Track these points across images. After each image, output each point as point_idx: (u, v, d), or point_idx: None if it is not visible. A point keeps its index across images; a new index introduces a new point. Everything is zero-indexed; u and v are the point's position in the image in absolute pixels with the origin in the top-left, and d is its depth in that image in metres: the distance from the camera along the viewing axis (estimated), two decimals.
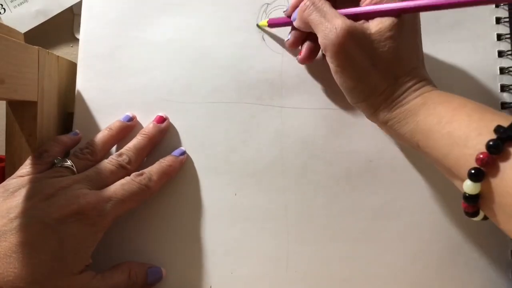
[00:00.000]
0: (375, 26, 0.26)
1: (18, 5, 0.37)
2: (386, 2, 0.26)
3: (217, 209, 0.33)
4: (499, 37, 0.34)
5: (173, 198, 0.33)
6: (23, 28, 0.37)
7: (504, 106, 0.33)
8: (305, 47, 0.32)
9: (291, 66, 0.34)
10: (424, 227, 0.32)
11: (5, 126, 0.31)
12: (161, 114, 0.34)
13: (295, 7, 0.31)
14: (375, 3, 0.27)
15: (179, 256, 0.32)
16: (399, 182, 0.33)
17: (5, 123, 0.31)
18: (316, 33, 0.28)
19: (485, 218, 0.24)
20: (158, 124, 0.33)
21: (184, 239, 0.33)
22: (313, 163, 0.33)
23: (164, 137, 0.34)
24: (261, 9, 0.35)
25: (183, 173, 0.33)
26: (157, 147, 0.33)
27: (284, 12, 0.33)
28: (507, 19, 0.34)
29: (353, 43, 0.26)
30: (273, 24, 0.33)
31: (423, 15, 0.34)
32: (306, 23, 0.29)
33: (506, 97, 0.33)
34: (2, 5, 0.37)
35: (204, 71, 0.34)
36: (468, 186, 0.22)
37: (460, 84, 0.34)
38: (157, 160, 0.32)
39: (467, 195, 0.22)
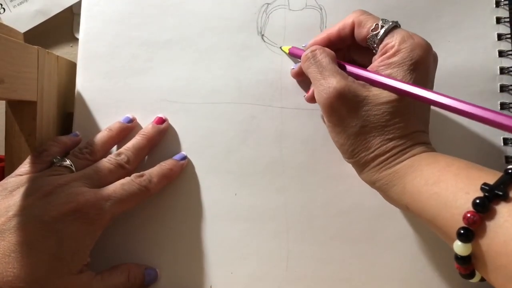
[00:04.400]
0: (374, 89, 0.26)
1: (17, 5, 0.37)
2: (392, 78, 0.26)
3: (217, 209, 0.33)
4: (500, 37, 0.34)
5: (173, 198, 0.33)
6: (23, 28, 0.37)
7: (503, 106, 0.33)
8: (311, 89, 0.31)
9: (291, 66, 0.34)
10: (424, 227, 0.32)
11: (5, 126, 0.31)
12: (160, 115, 0.34)
13: (310, 45, 0.31)
14: (382, 70, 0.26)
15: (179, 256, 0.32)
16: None
17: (4, 123, 0.31)
18: (313, 86, 0.28)
19: (483, 279, 0.22)
20: (157, 125, 0.33)
21: (184, 239, 0.33)
22: (313, 163, 0.33)
23: (163, 138, 0.34)
24: (261, 9, 0.35)
25: (183, 173, 0.33)
26: (157, 148, 0.33)
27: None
28: (508, 19, 0.34)
29: (342, 105, 0.26)
30: (293, 54, 0.33)
31: (422, 13, 0.34)
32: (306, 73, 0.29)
33: (505, 97, 0.33)
34: (2, 5, 0.37)
35: (204, 72, 0.34)
36: (459, 247, 0.21)
37: (460, 84, 0.33)
38: (157, 161, 0.32)
39: (458, 256, 0.21)
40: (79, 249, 0.27)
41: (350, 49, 0.31)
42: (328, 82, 0.26)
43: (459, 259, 0.21)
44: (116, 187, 0.29)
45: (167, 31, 0.35)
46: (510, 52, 0.34)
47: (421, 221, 0.32)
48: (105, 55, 0.34)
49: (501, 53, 0.34)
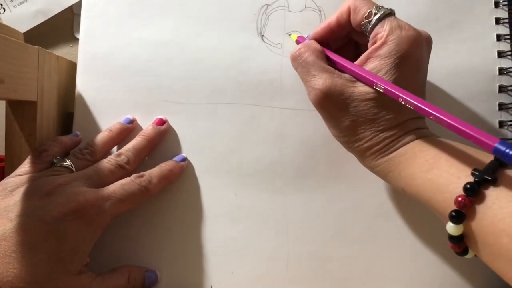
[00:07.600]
0: (360, 85, 0.26)
1: (18, 5, 0.37)
2: (373, 75, 0.26)
3: (217, 209, 0.33)
4: (499, 37, 0.34)
5: (173, 199, 0.33)
6: (23, 28, 0.37)
7: (502, 107, 0.33)
8: None
9: (291, 67, 0.34)
10: (424, 227, 0.32)
11: (5, 126, 0.31)
12: (160, 116, 0.34)
13: (313, 35, 0.31)
14: (370, 62, 0.26)
15: (180, 256, 0.32)
16: None
17: (4, 123, 0.31)
18: (304, 85, 0.29)
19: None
20: (158, 126, 0.33)
21: (184, 239, 0.33)
22: (313, 164, 0.33)
23: (163, 139, 0.34)
24: (261, 10, 0.35)
25: (183, 173, 0.33)
26: (157, 148, 0.34)
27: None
28: (507, 20, 0.34)
29: (330, 103, 0.27)
30: (299, 43, 0.32)
31: (422, 13, 0.34)
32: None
33: (503, 98, 0.34)
34: (2, 5, 0.37)
35: (204, 72, 0.34)
36: (451, 228, 0.22)
37: (458, 84, 0.34)
38: (157, 162, 0.32)
39: (451, 236, 0.23)
40: (79, 249, 0.27)
41: (353, 32, 0.30)
42: (314, 83, 0.27)
43: (452, 238, 0.23)
44: (116, 187, 0.29)
45: (167, 32, 0.35)
46: (509, 53, 0.34)
47: (421, 221, 0.32)
48: (105, 55, 0.34)
49: (500, 54, 0.34)
